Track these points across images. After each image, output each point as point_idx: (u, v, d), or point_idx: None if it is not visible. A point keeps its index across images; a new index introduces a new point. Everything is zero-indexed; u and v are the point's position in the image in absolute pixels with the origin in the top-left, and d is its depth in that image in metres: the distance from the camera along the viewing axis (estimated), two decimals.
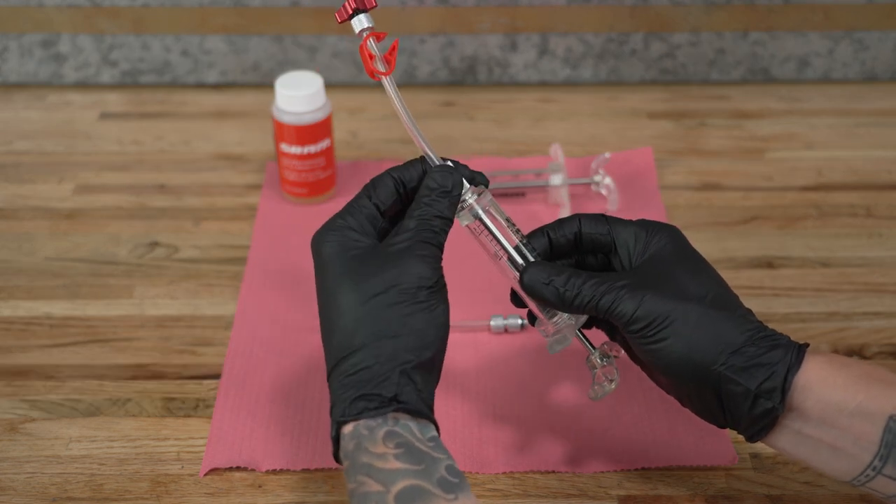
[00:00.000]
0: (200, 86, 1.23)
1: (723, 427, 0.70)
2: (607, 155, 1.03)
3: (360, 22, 0.70)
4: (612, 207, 1.02)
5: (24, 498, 0.77)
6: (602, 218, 0.73)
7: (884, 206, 1.04)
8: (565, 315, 0.72)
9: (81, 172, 1.10)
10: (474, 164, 1.16)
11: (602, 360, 0.73)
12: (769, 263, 0.98)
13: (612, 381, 0.73)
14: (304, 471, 0.79)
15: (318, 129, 1.00)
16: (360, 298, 0.66)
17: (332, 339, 0.67)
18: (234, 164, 1.11)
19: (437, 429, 0.66)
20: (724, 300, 0.69)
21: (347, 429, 0.64)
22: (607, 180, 1.02)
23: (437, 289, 0.67)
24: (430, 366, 0.66)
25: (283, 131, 1.00)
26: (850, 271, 0.97)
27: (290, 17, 1.19)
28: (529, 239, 0.73)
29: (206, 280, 0.96)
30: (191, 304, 0.93)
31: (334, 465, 0.79)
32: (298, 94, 0.99)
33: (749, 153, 1.13)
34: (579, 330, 0.73)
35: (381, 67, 0.70)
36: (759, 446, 0.79)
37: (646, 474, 0.78)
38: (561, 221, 0.73)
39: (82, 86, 1.23)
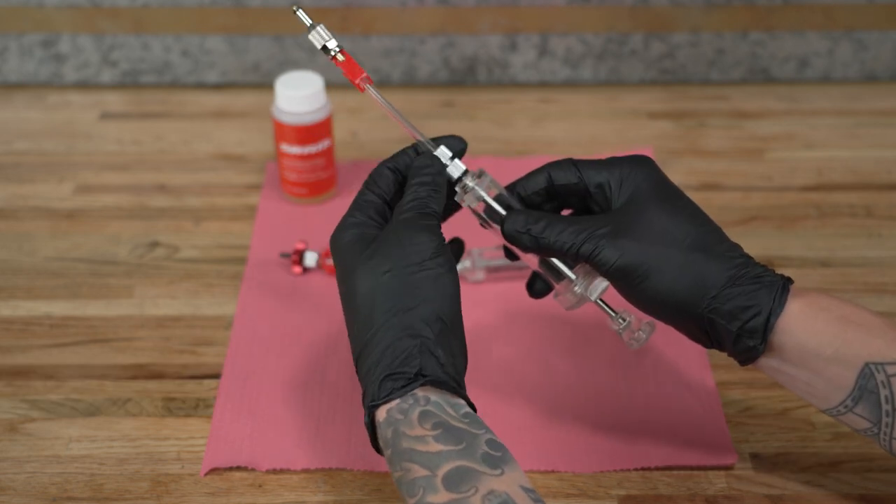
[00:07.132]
0: (200, 86, 1.23)
1: (709, 348, 0.71)
2: None
3: (323, 36, 0.73)
4: None
5: (24, 498, 0.77)
6: (571, 165, 0.73)
7: (884, 206, 1.04)
8: (582, 284, 0.73)
9: (81, 172, 1.10)
10: (476, 164, 1.16)
11: (623, 321, 0.74)
12: (769, 263, 0.97)
13: (642, 330, 0.74)
14: (305, 471, 0.79)
15: (319, 130, 1.00)
16: (372, 279, 0.67)
17: (353, 327, 0.68)
18: (234, 164, 1.11)
19: (472, 406, 0.66)
20: (705, 240, 0.69)
21: (381, 415, 0.64)
22: None
23: (441, 255, 0.68)
24: (450, 341, 0.66)
25: (284, 131, 1.00)
26: (850, 271, 0.97)
27: (290, 17, 1.18)
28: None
29: (206, 280, 0.96)
30: (191, 304, 0.93)
31: (334, 464, 0.79)
32: (298, 94, 0.99)
33: (749, 153, 1.13)
34: (600, 299, 0.73)
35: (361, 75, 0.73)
36: (760, 446, 0.80)
37: (646, 474, 0.78)
38: (529, 176, 0.74)
39: (82, 86, 1.23)
